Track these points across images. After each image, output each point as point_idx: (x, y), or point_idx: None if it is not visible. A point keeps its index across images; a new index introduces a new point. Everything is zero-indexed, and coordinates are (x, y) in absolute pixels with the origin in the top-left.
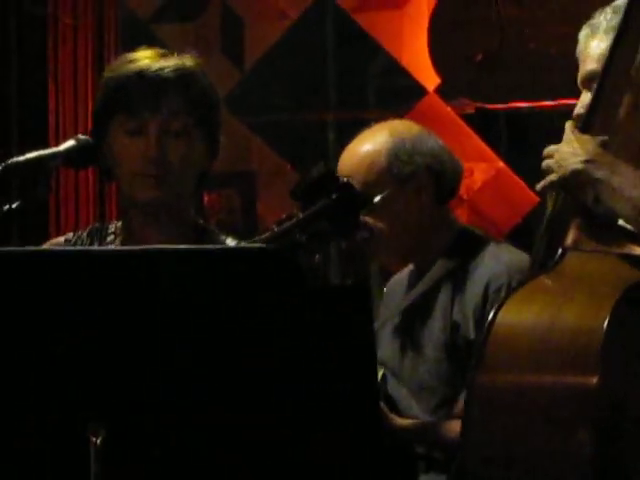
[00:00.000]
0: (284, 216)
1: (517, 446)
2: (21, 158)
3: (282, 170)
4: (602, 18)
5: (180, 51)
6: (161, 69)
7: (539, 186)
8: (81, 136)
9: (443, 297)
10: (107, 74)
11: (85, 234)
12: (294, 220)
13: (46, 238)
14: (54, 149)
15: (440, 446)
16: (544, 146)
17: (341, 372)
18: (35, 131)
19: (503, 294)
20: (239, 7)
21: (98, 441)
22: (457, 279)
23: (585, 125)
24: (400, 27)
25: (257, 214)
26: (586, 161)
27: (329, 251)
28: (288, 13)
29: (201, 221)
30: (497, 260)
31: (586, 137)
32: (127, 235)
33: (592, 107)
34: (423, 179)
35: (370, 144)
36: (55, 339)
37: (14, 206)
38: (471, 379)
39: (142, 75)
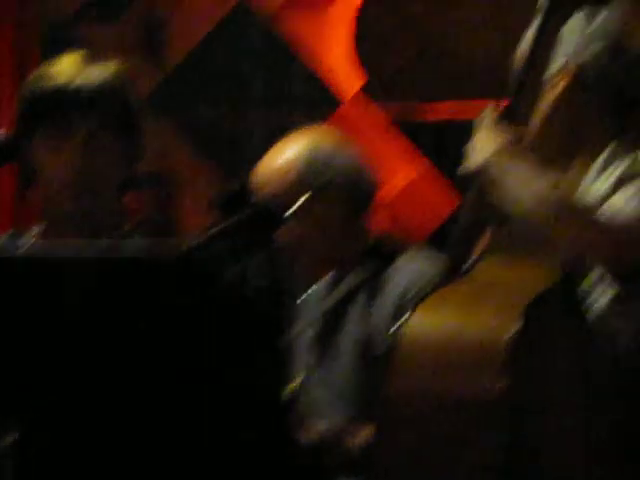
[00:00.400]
0: (203, 228)
1: (427, 451)
2: None
3: (203, 171)
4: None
5: (102, 52)
6: (85, 83)
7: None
8: None
9: (359, 305)
10: (29, 86)
11: (3, 240)
12: (211, 233)
13: None
14: None
15: (356, 451)
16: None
17: (250, 377)
18: None
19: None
20: (162, 8)
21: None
22: (373, 287)
23: (507, 114)
24: (323, 30)
25: (178, 215)
26: (492, 156)
27: (246, 263)
28: (211, 14)
29: (124, 228)
30: (413, 267)
31: (501, 128)
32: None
33: (514, 99)
34: (338, 189)
35: (286, 154)
36: None
37: None
38: (382, 385)
39: (65, 89)
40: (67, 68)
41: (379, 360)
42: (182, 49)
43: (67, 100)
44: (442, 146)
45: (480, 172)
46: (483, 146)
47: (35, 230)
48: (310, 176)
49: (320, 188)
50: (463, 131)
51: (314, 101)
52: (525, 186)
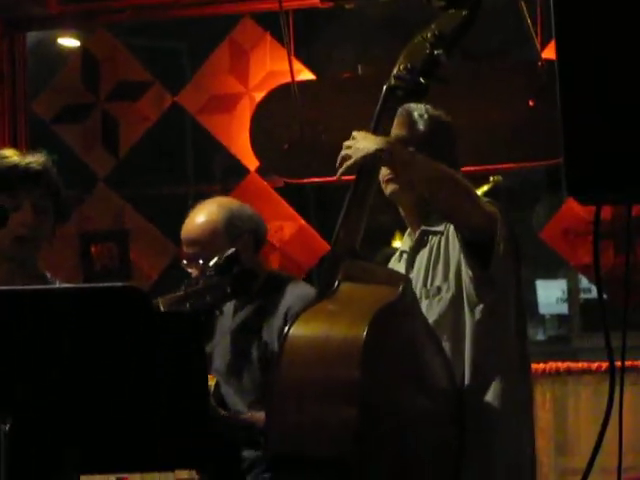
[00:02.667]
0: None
1: (306, 418)
2: None
3: (149, 229)
4: None
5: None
6: (30, 163)
7: (338, 173)
8: None
9: (257, 323)
10: None
11: None
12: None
13: None
14: None
15: (256, 430)
16: (336, 209)
17: (179, 378)
18: None
19: None
20: (115, 111)
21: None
22: (267, 309)
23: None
24: (230, 125)
25: (130, 261)
26: (388, 142)
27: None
28: (149, 116)
29: (47, 273)
30: (293, 294)
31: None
32: None
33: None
34: (247, 238)
35: (208, 216)
36: None
37: None
38: (271, 377)
39: (17, 167)
40: (14, 154)
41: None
42: (131, 140)
43: (21, 172)
44: (319, 206)
45: (374, 156)
46: (370, 143)
47: None
48: (230, 231)
49: (236, 238)
50: (331, 196)
51: (230, 173)
52: (430, 163)
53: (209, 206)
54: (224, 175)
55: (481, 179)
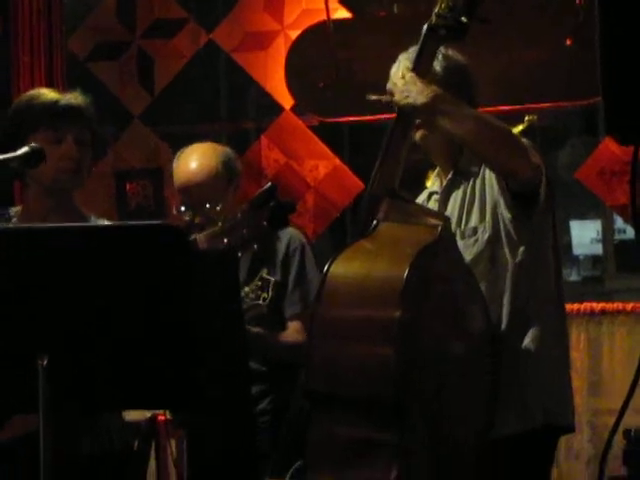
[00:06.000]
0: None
1: (344, 361)
2: None
3: None
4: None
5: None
6: (71, 99)
7: (374, 97)
8: (33, 144)
9: (259, 267)
10: (28, 102)
11: None
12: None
13: None
14: (12, 154)
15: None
16: (370, 148)
17: (215, 315)
18: None
19: (298, 251)
20: (150, 49)
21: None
22: (265, 250)
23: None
24: (265, 63)
25: (164, 198)
26: (435, 98)
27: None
28: (184, 53)
29: (83, 210)
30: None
31: (426, 81)
32: (26, 218)
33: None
34: (238, 180)
35: (204, 160)
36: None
37: None
38: (312, 314)
39: (59, 102)
40: (52, 91)
41: (277, 289)
42: (166, 78)
43: (64, 107)
44: (353, 145)
45: (421, 109)
46: (416, 90)
47: (12, 211)
48: (228, 172)
49: (232, 178)
50: (366, 135)
51: (264, 111)
52: (476, 117)
53: (200, 151)
54: (258, 113)
55: (516, 118)
